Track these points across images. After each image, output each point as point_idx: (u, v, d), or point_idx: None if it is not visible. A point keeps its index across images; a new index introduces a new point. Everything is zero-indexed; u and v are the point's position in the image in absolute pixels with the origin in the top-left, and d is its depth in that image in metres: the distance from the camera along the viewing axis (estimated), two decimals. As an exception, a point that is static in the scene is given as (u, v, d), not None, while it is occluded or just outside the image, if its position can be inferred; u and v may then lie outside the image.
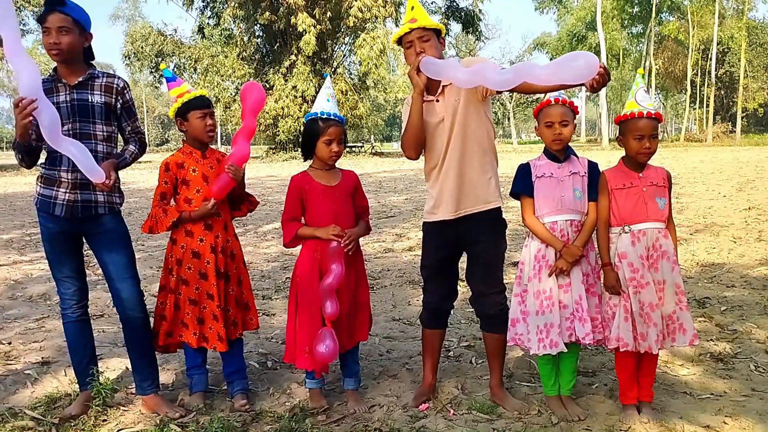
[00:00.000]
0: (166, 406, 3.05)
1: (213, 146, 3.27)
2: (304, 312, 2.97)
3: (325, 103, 3.01)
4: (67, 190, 2.86)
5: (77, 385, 3.16)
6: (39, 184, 2.94)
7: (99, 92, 2.91)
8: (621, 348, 2.78)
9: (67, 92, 2.85)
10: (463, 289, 3.44)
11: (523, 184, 2.93)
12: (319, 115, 2.98)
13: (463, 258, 3.16)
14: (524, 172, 2.94)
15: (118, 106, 2.97)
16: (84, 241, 3.04)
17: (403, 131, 3.13)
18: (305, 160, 3.11)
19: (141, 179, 20.02)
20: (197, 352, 3.17)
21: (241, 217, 3.33)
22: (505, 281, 3.12)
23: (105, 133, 2.93)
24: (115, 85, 2.95)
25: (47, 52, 2.81)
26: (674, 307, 2.77)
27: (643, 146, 2.74)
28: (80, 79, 2.88)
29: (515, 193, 2.98)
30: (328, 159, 2.99)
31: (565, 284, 2.82)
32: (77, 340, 3.08)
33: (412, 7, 2.98)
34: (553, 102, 2.82)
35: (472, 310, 4.54)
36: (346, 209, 3.04)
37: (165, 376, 3.50)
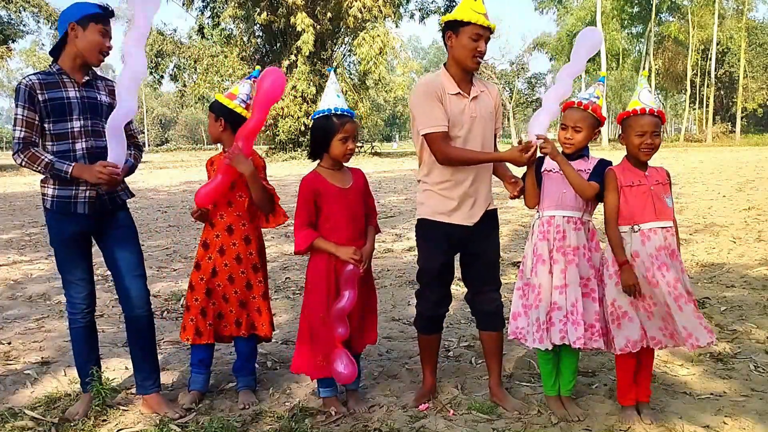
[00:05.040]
0: (166, 405, 3.04)
1: None
2: (317, 324, 2.91)
3: (335, 99, 2.88)
4: (87, 187, 2.86)
5: (77, 386, 3.15)
6: (50, 186, 2.89)
7: (104, 93, 2.97)
8: (655, 347, 2.76)
9: (77, 89, 2.88)
10: (461, 289, 3.44)
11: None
12: (333, 111, 2.86)
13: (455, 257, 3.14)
14: (536, 163, 2.94)
15: None
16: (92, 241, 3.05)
17: (467, 156, 2.89)
18: (313, 160, 3.00)
19: (141, 179, 20.05)
20: (196, 350, 3.19)
21: (274, 226, 3.23)
22: (502, 279, 3.12)
23: None
24: (115, 88, 3.01)
25: (99, 54, 2.86)
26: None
27: (644, 142, 2.73)
28: (86, 78, 2.92)
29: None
30: (343, 157, 2.89)
31: (561, 285, 2.80)
32: (84, 346, 3.06)
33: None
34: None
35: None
36: (360, 211, 2.98)
37: (165, 376, 3.50)
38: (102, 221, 2.97)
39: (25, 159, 2.78)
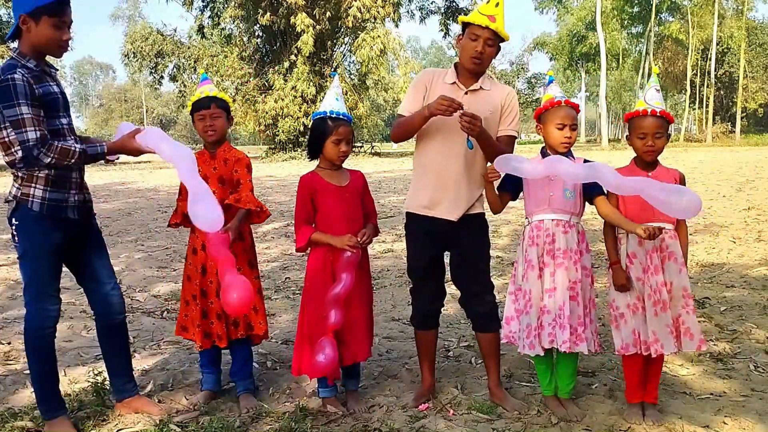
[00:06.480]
0: (155, 405, 3.02)
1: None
2: (314, 322, 2.91)
3: (334, 102, 2.95)
4: (76, 191, 2.72)
5: (77, 385, 3.14)
6: (39, 186, 2.62)
7: (58, 83, 2.76)
8: (644, 352, 2.74)
9: (55, 83, 2.69)
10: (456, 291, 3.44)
11: (509, 183, 2.94)
12: (328, 114, 2.91)
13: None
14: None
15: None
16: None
17: (400, 121, 3.00)
18: (311, 160, 3.07)
19: (140, 179, 20.03)
20: (204, 351, 3.18)
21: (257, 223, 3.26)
22: (498, 281, 3.11)
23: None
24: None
25: (58, 48, 2.62)
26: (680, 310, 2.75)
27: (645, 144, 2.74)
28: (52, 70, 2.72)
29: (501, 189, 2.98)
30: (336, 159, 2.94)
31: (551, 289, 2.79)
32: (54, 364, 2.85)
33: (497, 4, 2.82)
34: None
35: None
36: (357, 211, 3.00)
37: (164, 377, 3.50)
38: (84, 228, 2.81)
39: (55, 155, 2.49)
